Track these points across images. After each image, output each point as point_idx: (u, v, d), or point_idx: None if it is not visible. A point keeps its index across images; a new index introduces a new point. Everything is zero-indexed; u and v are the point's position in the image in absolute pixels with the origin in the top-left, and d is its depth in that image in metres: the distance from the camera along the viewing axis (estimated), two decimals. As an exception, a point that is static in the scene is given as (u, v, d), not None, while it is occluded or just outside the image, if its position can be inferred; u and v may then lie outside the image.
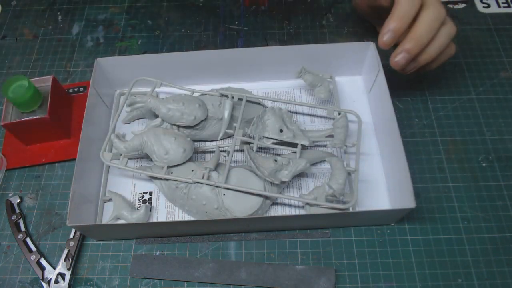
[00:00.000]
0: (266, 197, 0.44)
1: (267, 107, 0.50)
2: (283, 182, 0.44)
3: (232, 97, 0.49)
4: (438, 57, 0.45)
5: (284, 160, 0.44)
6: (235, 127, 0.47)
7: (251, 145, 0.46)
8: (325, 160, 0.49)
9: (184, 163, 0.46)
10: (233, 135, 0.47)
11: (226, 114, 0.47)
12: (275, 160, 0.44)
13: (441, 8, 0.42)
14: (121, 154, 0.45)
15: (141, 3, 0.65)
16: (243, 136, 0.46)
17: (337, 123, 0.47)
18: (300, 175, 0.48)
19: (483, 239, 0.44)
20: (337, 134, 0.47)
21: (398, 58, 0.43)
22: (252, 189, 0.43)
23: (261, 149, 0.50)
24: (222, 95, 0.49)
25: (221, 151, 0.48)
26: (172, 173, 0.45)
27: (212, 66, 0.52)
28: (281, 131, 0.46)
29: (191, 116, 0.46)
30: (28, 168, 0.51)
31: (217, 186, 0.43)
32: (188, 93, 0.50)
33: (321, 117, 0.53)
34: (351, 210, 0.44)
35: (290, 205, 0.47)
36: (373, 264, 0.43)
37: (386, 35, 0.42)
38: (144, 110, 0.51)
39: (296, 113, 0.53)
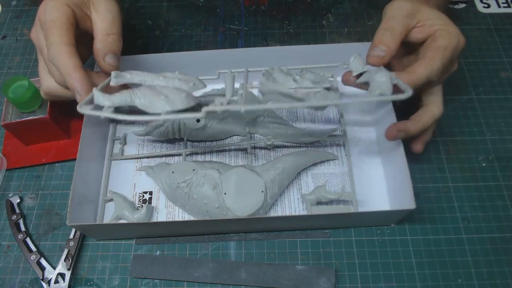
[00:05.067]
0: (266, 197, 0.44)
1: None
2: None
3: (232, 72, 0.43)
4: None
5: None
6: (247, 129, 0.48)
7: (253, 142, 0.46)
8: (325, 160, 0.49)
9: (184, 163, 0.46)
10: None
11: (228, 85, 0.41)
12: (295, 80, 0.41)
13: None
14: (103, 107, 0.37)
15: (141, 3, 0.65)
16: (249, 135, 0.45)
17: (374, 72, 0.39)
18: (300, 175, 0.48)
19: (483, 239, 0.44)
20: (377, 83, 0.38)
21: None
22: (252, 188, 0.43)
23: (261, 147, 0.50)
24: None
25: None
26: (173, 172, 0.45)
27: (212, 66, 0.52)
28: (294, 81, 0.41)
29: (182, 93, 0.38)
30: (28, 168, 0.51)
31: (236, 110, 0.35)
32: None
33: (322, 116, 0.53)
34: (352, 210, 0.44)
35: (290, 205, 0.47)
36: (373, 264, 0.43)
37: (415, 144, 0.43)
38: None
39: (296, 113, 0.53)
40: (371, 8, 0.63)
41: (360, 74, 0.40)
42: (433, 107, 0.42)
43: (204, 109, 0.34)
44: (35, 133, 0.49)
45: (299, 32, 0.61)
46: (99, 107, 0.37)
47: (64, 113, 0.52)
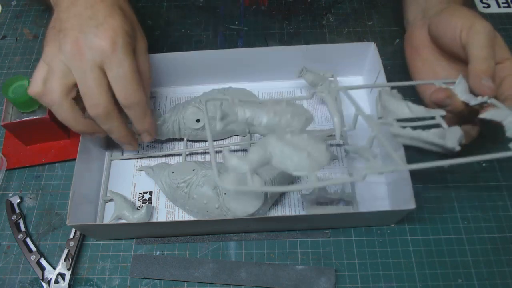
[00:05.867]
0: (266, 197, 0.44)
1: None
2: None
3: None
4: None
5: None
6: (247, 130, 0.48)
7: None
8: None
9: (184, 163, 0.46)
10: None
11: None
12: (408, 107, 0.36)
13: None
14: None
15: (141, 3, 0.65)
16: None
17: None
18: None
19: (483, 239, 0.44)
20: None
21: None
22: (253, 188, 0.43)
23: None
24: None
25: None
26: (173, 172, 0.45)
27: (212, 66, 0.52)
28: (408, 107, 0.38)
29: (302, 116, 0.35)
30: (28, 168, 0.51)
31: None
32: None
33: (322, 116, 0.53)
34: (352, 210, 0.44)
35: (290, 205, 0.47)
36: (373, 264, 0.43)
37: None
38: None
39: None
40: (371, 8, 0.63)
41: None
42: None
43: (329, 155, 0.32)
44: (35, 133, 0.49)
45: (299, 32, 0.61)
46: None
47: (64, 113, 0.52)
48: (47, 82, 0.38)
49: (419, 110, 0.38)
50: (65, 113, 0.39)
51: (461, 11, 0.42)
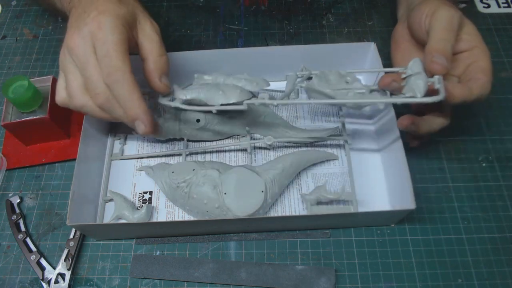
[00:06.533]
0: (266, 197, 0.44)
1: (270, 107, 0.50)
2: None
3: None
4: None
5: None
6: (247, 129, 0.49)
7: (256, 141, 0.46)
8: (325, 160, 0.49)
9: (184, 163, 0.46)
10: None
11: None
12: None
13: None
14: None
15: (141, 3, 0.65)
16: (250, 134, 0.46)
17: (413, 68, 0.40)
18: (300, 175, 0.48)
19: (483, 239, 0.44)
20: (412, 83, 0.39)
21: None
22: (252, 188, 0.43)
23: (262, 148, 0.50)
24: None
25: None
26: (173, 172, 0.45)
27: (212, 66, 0.52)
28: (346, 82, 0.44)
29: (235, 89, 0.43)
30: (28, 168, 0.51)
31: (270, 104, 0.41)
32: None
33: (322, 116, 0.53)
34: (352, 210, 0.44)
35: (290, 205, 0.47)
36: (373, 264, 0.43)
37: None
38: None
39: (297, 113, 0.53)
40: (371, 8, 0.63)
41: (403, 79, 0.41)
42: (440, 115, 0.42)
43: (245, 101, 0.41)
44: (35, 133, 0.49)
45: (299, 32, 0.61)
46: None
47: (64, 113, 0.52)
48: (67, 88, 0.39)
49: (354, 84, 0.43)
50: (96, 113, 0.39)
51: (431, 1, 0.43)
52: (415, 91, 0.38)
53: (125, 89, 0.36)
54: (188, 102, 0.43)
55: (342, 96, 0.42)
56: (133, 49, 0.40)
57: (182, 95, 0.43)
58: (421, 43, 0.44)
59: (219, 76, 0.47)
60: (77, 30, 0.37)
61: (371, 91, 0.43)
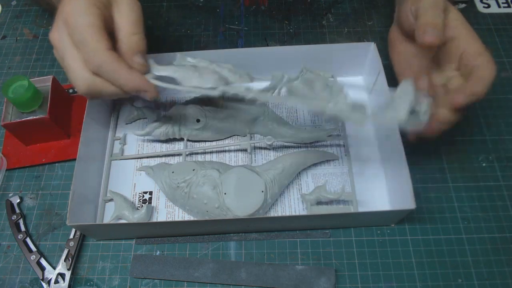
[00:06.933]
0: (266, 197, 0.44)
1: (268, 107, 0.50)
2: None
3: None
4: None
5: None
6: (247, 130, 0.49)
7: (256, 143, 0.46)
8: (325, 161, 0.49)
9: (184, 163, 0.46)
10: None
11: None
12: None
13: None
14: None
15: (141, 3, 0.65)
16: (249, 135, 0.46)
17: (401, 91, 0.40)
18: (300, 175, 0.48)
19: (483, 239, 0.44)
20: (399, 104, 0.39)
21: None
22: (252, 188, 0.43)
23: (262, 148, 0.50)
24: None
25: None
26: (173, 172, 0.45)
27: (212, 66, 0.52)
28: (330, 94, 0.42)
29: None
30: (28, 168, 0.51)
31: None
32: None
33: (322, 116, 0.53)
34: (352, 210, 0.44)
35: (290, 205, 0.47)
36: (373, 264, 0.43)
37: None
38: (145, 110, 0.51)
39: (297, 113, 0.53)
40: (371, 8, 0.63)
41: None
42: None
43: (220, 88, 0.40)
44: (35, 133, 0.49)
45: (299, 32, 0.61)
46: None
47: (64, 113, 0.52)
48: (70, 80, 0.39)
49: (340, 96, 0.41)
50: (97, 95, 0.39)
51: None
52: (399, 111, 0.38)
53: (109, 69, 0.36)
54: (160, 79, 0.41)
55: (322, 105, 0.40)
56: (111, 29, 0.39)
57: (156, 70, 0.41)
58: (412, 38, 0.43)
59: (202, 61, 0.44)
60: (54, 24, 0.38)
61: (354, 107, 0.41)
